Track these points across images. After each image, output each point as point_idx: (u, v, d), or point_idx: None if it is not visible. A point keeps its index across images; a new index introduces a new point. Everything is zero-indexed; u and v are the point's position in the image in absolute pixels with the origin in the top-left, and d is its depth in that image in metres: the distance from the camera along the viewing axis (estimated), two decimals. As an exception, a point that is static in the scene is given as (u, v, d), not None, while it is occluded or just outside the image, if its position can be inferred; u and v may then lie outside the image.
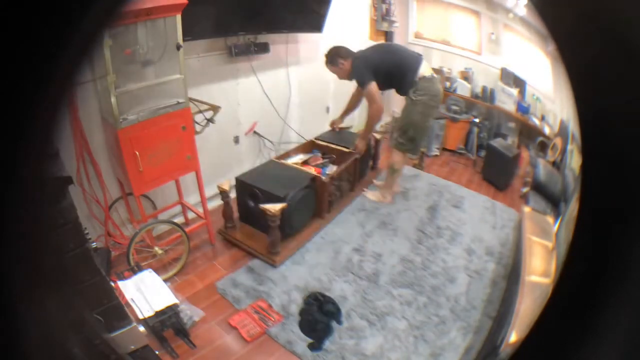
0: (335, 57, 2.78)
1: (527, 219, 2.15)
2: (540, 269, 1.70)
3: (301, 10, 2.94)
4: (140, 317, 1.70)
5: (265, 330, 1.91)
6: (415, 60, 2.71)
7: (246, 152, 3.14)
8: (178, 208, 2.66)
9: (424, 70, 2.68)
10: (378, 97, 2.65)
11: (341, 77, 2.86)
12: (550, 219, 2.19)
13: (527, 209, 2.42)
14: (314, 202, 2.65)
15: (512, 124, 3.86)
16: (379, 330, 1.93)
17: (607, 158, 0.37)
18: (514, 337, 1.40)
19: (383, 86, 2.74)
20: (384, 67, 2.67)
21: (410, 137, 2.80)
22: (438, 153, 4.06)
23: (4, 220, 0.35)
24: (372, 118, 2.78)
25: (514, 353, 0.47)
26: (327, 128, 3.50)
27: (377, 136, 3.31)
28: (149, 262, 2.20)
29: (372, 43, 4.14)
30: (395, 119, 2.83)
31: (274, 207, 2.22)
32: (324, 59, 2.85)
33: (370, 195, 3.11)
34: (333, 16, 3.18)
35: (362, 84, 2.68)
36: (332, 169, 2.88)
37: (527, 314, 1.44)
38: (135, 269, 1.98)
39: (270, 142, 3.29)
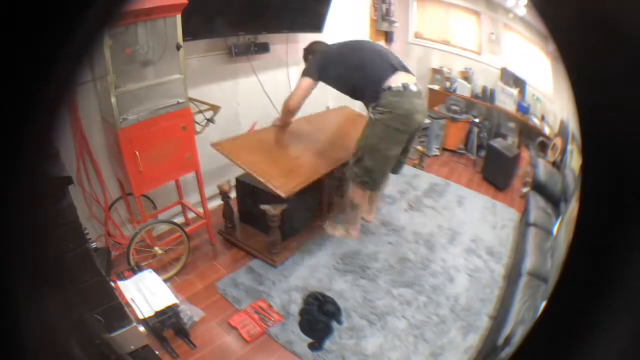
0: (306, 54, 2.47)
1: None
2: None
3: (301, 10, 2.94)
4: (140, 317, 1.70)
5: (266, 330, 1.91)
6: (385, 67, 2.08)
7: (246, 152, 3.14)
8: (178, 208, 2.65)
9: (398, 80, 2.04)
10: (299, 94, 2.21)
11: None
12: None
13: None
14: (314, 202, 2.65)
15: (512, 124, 3.86)
16: (379, 329, 1.93)
17: (607, 158, 0.37)
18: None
19: (342, 89, 2.29)
20: (340, 68, 2.15)
21: (366, 167, 2.15)
22: (438, 153, 4.06)
23: (4, 220, 0.35)
24: (282, 108, 2.36)
25: (514, 353, 0.48)
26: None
27: None
28: (149, 262, 2.20)
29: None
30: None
31: (274, 208, 2.22)
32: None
33: (332, 230, 2.56)
34: (333, 16, 3.18)
35: (302, 74, 2.24)
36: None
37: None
38: (135, 269, 1.98)
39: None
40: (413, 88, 2.06)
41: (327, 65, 2.18)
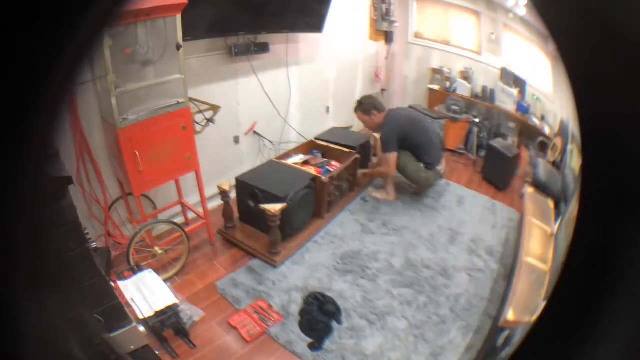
0: (370, 108, 3.00)
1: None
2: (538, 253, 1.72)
3: (301, 10, 2.94)
4: (140, 317, 1.70)
5: (266, 330, 1.91)
6: (440, 153, 3.09)
7: (246, 152, 3.14)
8: (178, 208, 2.65)
9: (442, 164, 3.14)
10: (392, 165, 2.95)
11: (368, 126, 3.14)
12: (551, 203, 2.20)
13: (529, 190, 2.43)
14: (314, 202, 2.65)
15: (512, 124, 3.86)
16: (379, 329, 1.93)
17: (607, 158, 0.37)
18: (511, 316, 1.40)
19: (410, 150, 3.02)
20: (411, 143, 2.96)
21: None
22: (438, 153, 4.06)
23: (4, 220, 0.35)
24: (380, 174, 3.14)
25: (514, 353, 0.47)
26: (327, 128, 3.50)
27: (377, 136, 3.32)
28: (149, 262, 2.20)
29: (372, 43, 4.15)
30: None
31: (274, 207, 2.22)
32: (356, 104, 3.06)
33: (376, 193, 3.18)
34: (333, 16, 3.18)
35: (385, 149, 2.97)
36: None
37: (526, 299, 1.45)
38: (135, 269, 1.98)
39: (271, 142, 3.28)
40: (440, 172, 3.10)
41: (402, 140, 2.92)
